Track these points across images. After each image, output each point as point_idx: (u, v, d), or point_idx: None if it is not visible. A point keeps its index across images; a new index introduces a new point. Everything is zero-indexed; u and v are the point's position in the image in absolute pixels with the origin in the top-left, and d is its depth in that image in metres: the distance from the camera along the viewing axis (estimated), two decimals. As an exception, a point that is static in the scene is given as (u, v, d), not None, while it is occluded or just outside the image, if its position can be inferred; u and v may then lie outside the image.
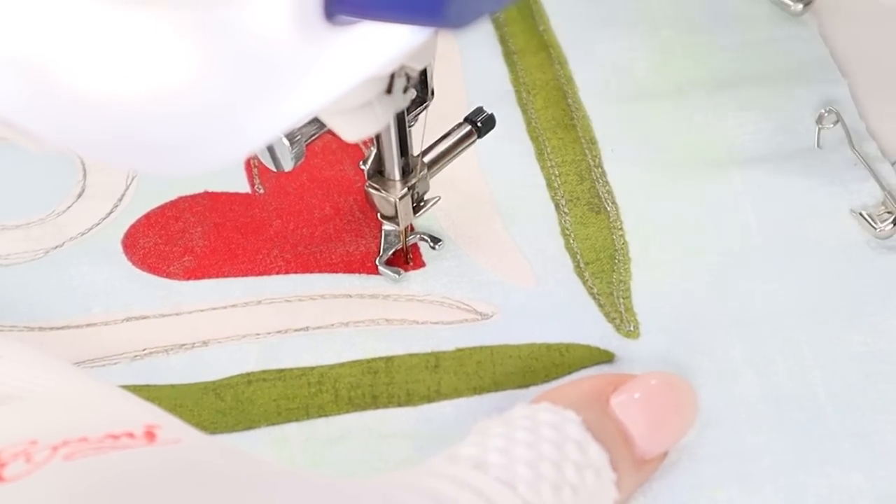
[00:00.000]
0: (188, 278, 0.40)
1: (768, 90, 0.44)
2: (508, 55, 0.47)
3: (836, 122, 0.42)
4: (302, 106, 0.28)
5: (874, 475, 0.34)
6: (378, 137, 0.38)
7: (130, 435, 0.30)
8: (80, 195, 0.43)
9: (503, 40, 0.47)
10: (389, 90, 0.34)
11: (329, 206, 0.42)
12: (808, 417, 0.35)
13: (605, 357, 0.37)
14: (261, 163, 0.41)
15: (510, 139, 0.44)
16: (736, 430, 0.35)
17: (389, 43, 0.28)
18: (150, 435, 0.30)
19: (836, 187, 0.41)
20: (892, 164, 0.41)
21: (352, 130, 0.34)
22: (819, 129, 0.42)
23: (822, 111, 0.42)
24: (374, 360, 0.38)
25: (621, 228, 0.41)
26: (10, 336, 0.38)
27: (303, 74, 0.27)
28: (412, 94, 0.36)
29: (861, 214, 0.40)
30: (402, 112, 0.37)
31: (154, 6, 0.24)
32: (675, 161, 0.43)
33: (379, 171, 0.39)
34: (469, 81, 0.46)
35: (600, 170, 0.43)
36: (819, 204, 0.41)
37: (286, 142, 0.37)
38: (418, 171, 0.39)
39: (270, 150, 0.37)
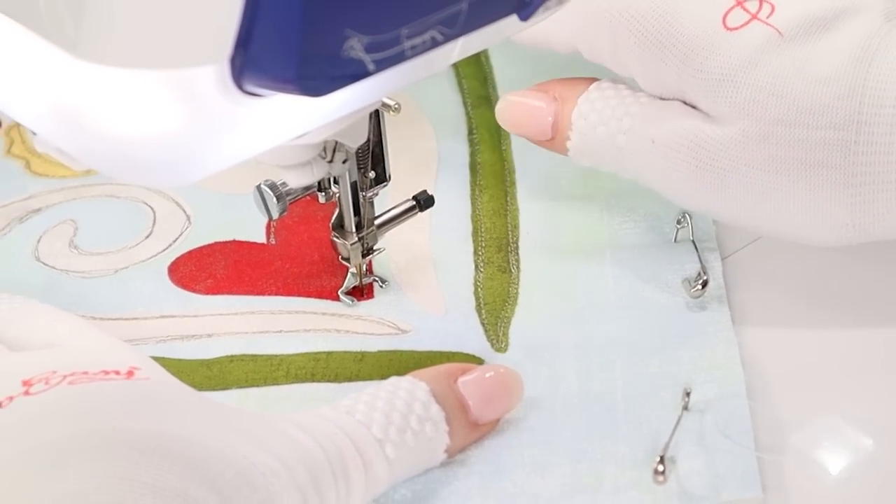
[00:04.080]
0: (207, 293, 0.57)
1: (652, 200, 0.59)
2: (474, 165, 0.63)
3: (688, 224, 0.57)
4: (238, 151, 0.38)
5: (636, 446, 0.48)
6: (340, 201, 0.54)
7: (117, 372, 0.45)
8: (147, 236, 0.61)
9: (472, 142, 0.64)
10: (331, 160, 0.51)
11: (317, 254, 0.59)
12: (605, 409, 0.49)
13: (477, 360, 0.52)
14: (277, 222, 0.58)
15: (455, 218, 0.60)
16: (551, 412, 0.49)
17: (301, 115, 0.39)
18: (129, 373, 0.45)
19: (675, 265, 0.56)
20: (723, 259, 0.56)
21: (294, 180, 0.50)
22: (677, 229, 0.57)
23: (680, 216, 0.57)
24: (319, 353, 0.53)
25: (517, 284, 0.56)
26: (67, 312, 0.53)
27: (232, 127, 0.37)
28: (348, 166, 0.52)
29: (685, 281, 0.54)
30: (356, 184, 0.54)
31: (146, 67, 0.35)
32: (570, 243, 0.58)
33: (340, 225, 0.55)
34: (440, 174, 0.62)
35: (515, 245, 0.58)
36: (661, 275, 0.55)
37: (274, 198, 0.54)
38: (366, 228, 0.55)
39: (264, 203, 0.54)
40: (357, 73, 0.36)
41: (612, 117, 0.54)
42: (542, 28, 0.54)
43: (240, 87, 0.36)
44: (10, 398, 0.43)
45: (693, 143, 0.52)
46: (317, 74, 0.35)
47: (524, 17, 0.43)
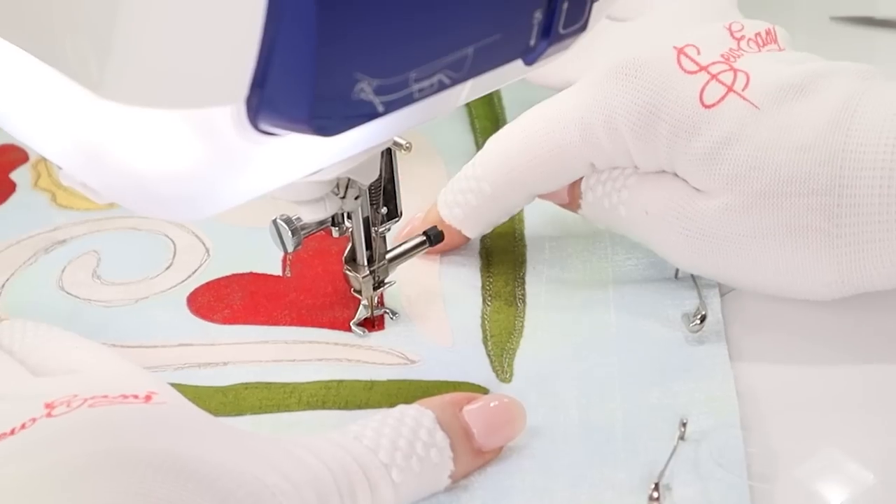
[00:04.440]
0: (224, 323, 0.59)
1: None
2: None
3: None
4: (253, 187, 0.40)
5: (633, 473, 0.49)
6: (352, 236, 0.57)
7: (135, 396, 0.47)
8: (167, 268, 0.63)
9: None
10: (343, 196, 0.53)
11: (330, 287, 0.61)
12: (604, 438, 0.51)
13: (482, 390, 0.54)
14: (293, 256, 0.60)
15: (464, 254, 0.62)
16: (553, 440, 0.51)
17: (314, 153, 0.41)
18: (147, 398, 0.47)
19: (675, 301, 0.58)
20: (722, 295, 0.58)
21: (308, 215, 0.53)
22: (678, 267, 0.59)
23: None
24: (330, 381, 0.55)
25: (523, 317, 0.58)
26: (89, 339, 0.56)
27: (248, 164, 0.39)
28: (360, 202, 0.54)
29: (684, 316, 0.56)
30: (368, 219, 0.56)
31: (167, 106, 0.36)
32: (575, 279, 0.60)
33: (353, 259, 0.57)
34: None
35: (521, 280, 0.60)
36: (661, 310, 0.57)
37: (289, 232, 0.56)
38: (378, 262, 0.57)
39: (279, 236, 0.56)
40: (367, 114, 0.38)
41: (613, 189, 0.58)
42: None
43: (255, 126, 0.37)
44: (34, 420, 0.45)
45: (683, 214, 0.55)
46: (328, 115, 0.37)
47: (529, 62, 0.44)
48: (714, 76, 0.55)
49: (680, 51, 0.57)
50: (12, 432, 0.44)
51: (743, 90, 0.55)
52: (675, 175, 0.56)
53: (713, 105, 0.55)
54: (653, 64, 0.56)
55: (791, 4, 0.62)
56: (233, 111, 0.37)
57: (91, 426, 0.44)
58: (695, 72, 0.56)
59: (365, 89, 0.37)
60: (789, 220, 0.53)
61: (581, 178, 0.59)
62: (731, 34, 0.58)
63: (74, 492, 0.40)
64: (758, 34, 0.59)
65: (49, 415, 0.45)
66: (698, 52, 0.56)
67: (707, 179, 0.54)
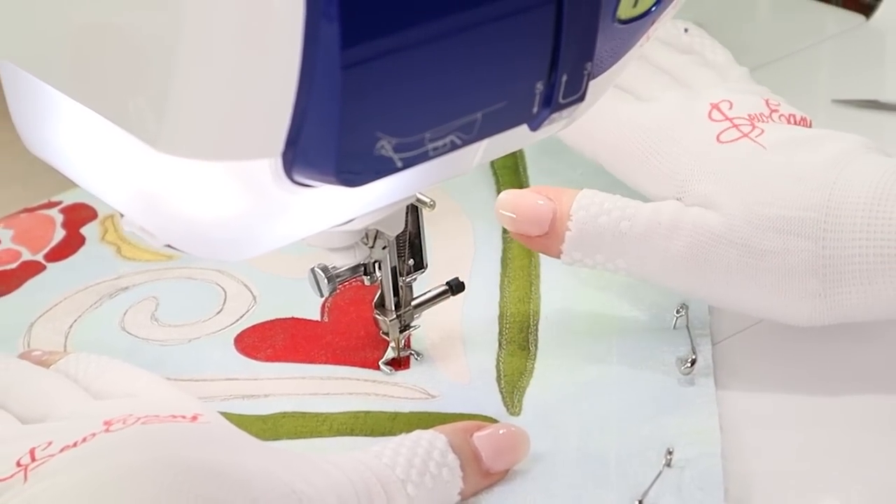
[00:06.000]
0: (266, 360, 0.66)
1: (657, 293, 0.67)
2: (505, 259, 0.72)
3: (685, 313, 0.65)
4: (290, 232, 0.45)
5: (623, 494, 0.55)
6: (381, 283, 0.63)
7: (183, 416, 0.53)
8: (218, 312, 0.70)
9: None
10: (372, 245, 0.60)
11: (363, 331, 0.67)
12: (599, 464, 0.57)
13: (493, 421, 0.60)
14: (330, 303, 0.67)
15: (485, 304, 0.68)
16: (553, 465, 0.57)
17: (343, 204, 0.46)
18: (194, 418, 0.53)
19: (671, 347, 0.64)
20: (713, 344, 0.64)
21: (339, 260, 0.59)
22: (676, 318, 0.66)
23: (679, 307, 0.66)
24: (359, 412, 0.62)
25: (534, 360, 0.65)
26: (152, 375, 0.63)
27: (285, 211, 0.43)
28: (387, 252, 0.61)
29: (678, 360, 0.63)
30: (396, 269, 0.63)
31: (214, 159, 0.41)
32: (582, 328, 0.66)
33: (381, 304, 0.64)
34: (475, 265, 0.72)
35: (535, 328, 0.67)
36: (658, 356, 0.63)
37: (325, 279, 0.63)
38: (404, 307, 0.64)
39: (316, 282, 0.63)
40: (387, 168, 0.42)
41: (615, 207, 0.63)
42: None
43: (290, 177, 0.42)
44: (94, 434, 0.51)
45: (694, 224, 0.61)
46: (353, 169, 0.42)
47: (533, 128, 0.49)
48: (735, 126, 0.62)
49: (714, 105, 0.64)
50: (74, 444, 0.50)
51: (756, 137, 0.62)
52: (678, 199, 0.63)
53: (727, 142, 0.63)
54: (684, 113, 0.64)
55: (792, 86, 0.69)
56: (271, 164, 0.43)
57: (142, 438, 0.51)
58: (720, 120, 0.63)
59: (385, 146, 0.42)
60: (781, 226, 0.59)
61: (563, 205, 0.63)
62: (767, 104, 0.65)
63: (121, 491, 0.46)
64: (792, 115, 0.66)
65: (107, 430, 0.51)
66: (730, 107, 0.64)
67: (714, 189, 0.61)
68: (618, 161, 0.68)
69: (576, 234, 0.63)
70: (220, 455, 0.49)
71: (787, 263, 0.59)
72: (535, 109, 0.47)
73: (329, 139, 0.41)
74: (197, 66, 0.39)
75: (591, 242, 0.62)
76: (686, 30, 0.74)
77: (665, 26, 0.70)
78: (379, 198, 0.48)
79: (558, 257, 0.64)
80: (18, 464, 0.49)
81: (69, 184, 0.49)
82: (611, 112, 0.68)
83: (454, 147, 0.45)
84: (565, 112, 0.49)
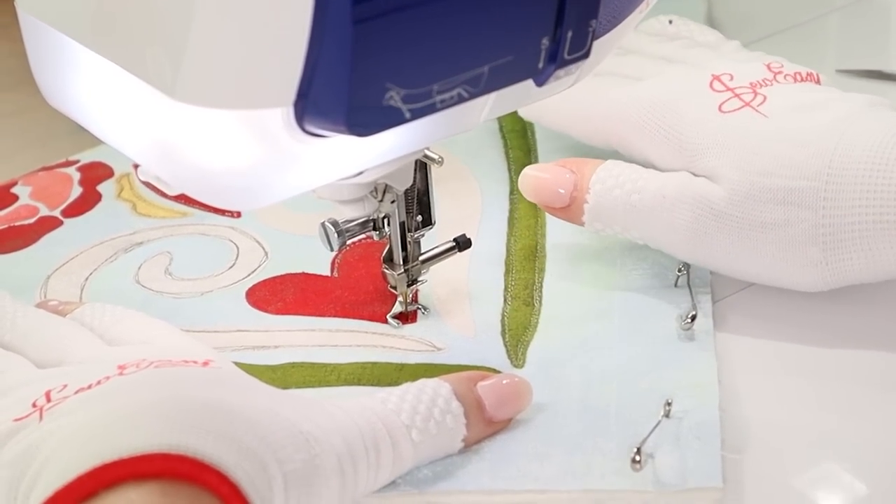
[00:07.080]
0: (277, 313, 0.68)
1: (659, 253, 0.68)
2: (511, 219, 0.74)
3: (687, 272, 0.67)
4: (301, 182, 0.45)
5: (622, 444, 0.57)
6: (390, 238, 0.65)
7: (195, 362, 0.54)
8: (230, 267, 0.71)
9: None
10: (381, 199, 0.62)
11: (372, 286, 0.69)
12: (599, 415, 0.59)
13: (497, 372, 0.62)
14: (340, 259, 0.69)
15: (491, 261, 0.70)
16: (555, 415, 0.59)
17: (353, 155, 0.47)
18: (205, 363, 0.54)
19: (672, 305, 0.65)
20: (714, 302, 0.66)
21: (349, 213, 0.61)
22: (678, 276, 0.67)
23: (681, 265, 0.67)
24: (366, 363, 0.63)
25: (538, 316, 0.66)
26: (166, 324, 0.64)
27: (296, 161, 0.44)
28: (396, 206, 0.62)
29: (678, 317, 0.64)
30: (404, 225, 0.64)
31: (229, 107, 0.41)
32: (586, 286, 0.68)
33: (390, 259, 0.66)
34: (482, 224, 0.73)
35: (540, 285, 0.68)
36: (659, 313, 0.65)
37: (335, 233, 0.64)
38: (412, 262, 0.65)
39: (326, 236, 0.64)
40: (396, 119, 0.44)
41: (629, 180, 0.65)
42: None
43: (301, 127, 0.43)
44: (108, 377, 0.53)
45: (697, 197, 0.63)
46: (362, 119, 0.42)
47: (539, 83, 0.51)
48: (737, 95, 0.64)
49: (715, 77, 0.66)
50: (89, 387, 0.52)
51: (758, 106, 0.63)
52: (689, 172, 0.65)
53: (728, 112, 0.64)
54: (686, 85, 0.66)
55: (797, 57, 0.70)
56: (283, 114, 0.44)
57: (153, 380, 0.52)
58: (721, 91, 0.65)
59: (394, 97, 0.43)
60: (783, 197, 0.60)
61: (583, 178, 0.66)
62: (769, 68, 0.67)
63: (133, 427, 0.48)
64: (797, 73, 0.67)
65: (121, 374, 0.53)
66: (731, 79, 0.65)
67: (716, 162, 0.62)
68: (625, 140, 0.69)
69: (593, 206, 0.65)
70: (229, 396, 0.51)
71: (789, 234, 0.61)
72: (540, 65, 0.49)
73: (340, 90, 0.42)
74: (213, 17, 0.39)
75: (608, 214, 0.65)
76: (671, 21, 0.75)
77: (650, 22, 0.74)
78: (388, 150, 0.49)
79: (583, 226, 0.66)
80: (34, 405, 0.51)
81: (87, 146, 0.50)
82: (616, 91, 0.69)
83: (461, 100, 0.46)
84: (572, 68, 0.50)
